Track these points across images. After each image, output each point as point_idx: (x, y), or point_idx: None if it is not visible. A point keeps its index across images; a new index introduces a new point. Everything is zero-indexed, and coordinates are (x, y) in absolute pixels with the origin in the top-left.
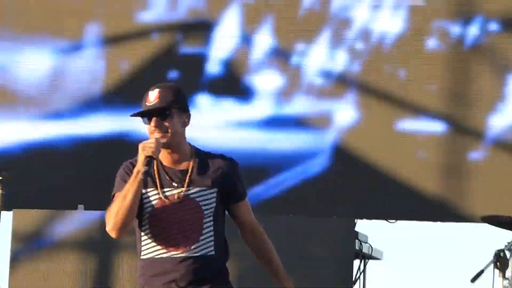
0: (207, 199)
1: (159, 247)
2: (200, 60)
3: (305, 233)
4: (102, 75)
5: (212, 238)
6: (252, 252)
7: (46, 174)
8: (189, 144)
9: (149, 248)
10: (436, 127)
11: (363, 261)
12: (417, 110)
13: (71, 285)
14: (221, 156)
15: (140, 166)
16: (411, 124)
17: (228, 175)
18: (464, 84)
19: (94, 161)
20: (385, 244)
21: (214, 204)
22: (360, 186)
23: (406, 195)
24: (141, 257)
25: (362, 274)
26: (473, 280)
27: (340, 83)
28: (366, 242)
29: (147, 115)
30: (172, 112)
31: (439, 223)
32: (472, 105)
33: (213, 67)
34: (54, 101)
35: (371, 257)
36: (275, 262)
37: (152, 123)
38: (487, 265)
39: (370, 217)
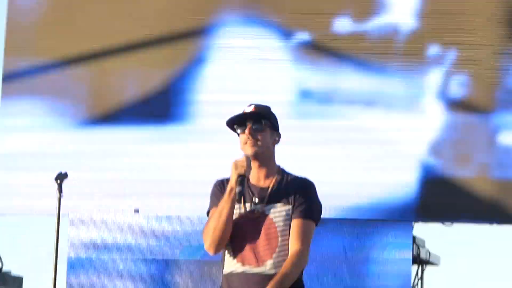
0: (282, 217)
1: (235, 262)
2: None
3: (362, 238)
4: None
5: (287, 257)
6: None
7: (103, 178)
8: (277, 164)
9: (228, 264)
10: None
11: (420, 266)
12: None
13: None
14: (302, 178)
15: (233, 184)
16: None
17: (300, 193)
18: None
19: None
20: (442, 249)
21: (288, 223)
22: (416, 189)
23: (462, 198)
24: (223, 272)
25: (420, 280)
26: None
27: None
28: (423, 247)
29: (243, 120)
30: (265, 126)
31: (495, 226)
32: None
33: None
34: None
35: (428, 262)
36: (284, 270)
37: (247, 130)
38: None
39: (426, 220)
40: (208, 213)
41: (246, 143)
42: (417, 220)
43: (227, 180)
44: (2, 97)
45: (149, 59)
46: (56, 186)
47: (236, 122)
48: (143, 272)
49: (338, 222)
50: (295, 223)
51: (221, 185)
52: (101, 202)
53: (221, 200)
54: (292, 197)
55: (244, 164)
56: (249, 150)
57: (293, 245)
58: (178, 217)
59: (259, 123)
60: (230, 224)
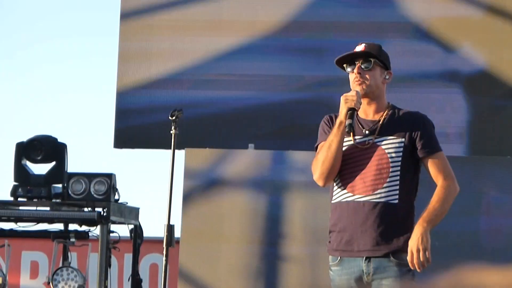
0: (394, 149)
1: (345, 191)
2: None
3: (481, 174)
4: None
5: (398, 187)
6: None
7: (218, 114)
8: (388, 101)
9: (338, 193)
10: None
11: None
12: None
13: (242, 223)
14: (415, 112)
15: (342, 117)
16: None
17: (416, 129)
18: None
19: (265, 100)
20: None
21: (401, 154)
22: None
23: None
24: (332, 202)
25: None
26: None
27: None
28: None
29: (351, 59)
30: (375, 64)
31: None
32: None
33: None
34: None
35: None
36: (429, 207)
37: (356, 70)
38: None
39: None
40: (316, 148)
41: (354, 81)
42: None
43: (336, 116)
44: None
45: None
46: (171, 122)
47: (346, 61)
48: (255, 206)
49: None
50: (427, 162)
51: (330, 120)
52: (217, 137)
53: (330, 133)
54: (407, 132)
55: (355, 98)
56: (358, 88)
57: (437, 181)
58: (291, 152)
59: (368, 62)
60: (339, 157)
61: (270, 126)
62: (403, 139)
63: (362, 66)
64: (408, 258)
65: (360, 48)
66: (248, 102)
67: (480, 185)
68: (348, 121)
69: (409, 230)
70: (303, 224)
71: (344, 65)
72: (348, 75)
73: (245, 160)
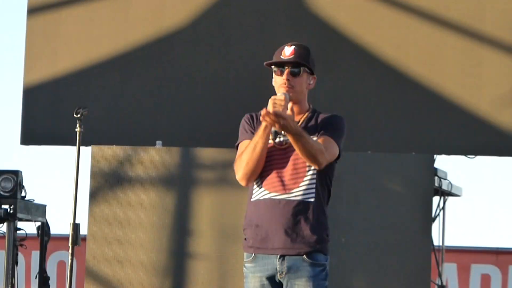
0: None
1: (263, 189)
2: None
3: (384, 170)
4: None
5: (314, 186)
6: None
7: (125, 111)
8: (309, 104)
9: (256, 191)
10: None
11: (442, 197)
12: (493, 42)
13: (150, 220)
14: (334, 115)
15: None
16: (488, 57)
17: (327, 124)
18: None
19: (172, 97)
20: (464, 180)
21: None
22: (439, 121)
23: (485, 130)
24: (250, 200)
25: (442, 211)
26: None
27: None
28: (445, 179)
29: (281, 66)
30: (303, 71)
31: None
32: None
33: None
34: None
35: (450, 193)
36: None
37: (285, 76)
38: None
39: (449, 152)
40: (237, 146)
41: (282, 86)
42: (439, 153)
43: (257, 115)
44: None
45: None
46: (76, 120)
47: (274, 63)
48: (163, 203)
49: (359, 154)
50: (320, 136)
51: (251, 119)
52: (123, 133)
53: (255, 134)
54: (321, 130)
55: (283, 102)
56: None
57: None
58: (200, 149)
59: (297, 68)
60: (263, 158)
61: (178, 123)
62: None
63: (291, 72)
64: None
65: (289, 50)
66: (156, 99)
67: (347, 179)
68: (273, 128)
69: (324, 230)
70: (211, 221)
71: (272, 67)
72: (273, 73)
73: (153, 157)
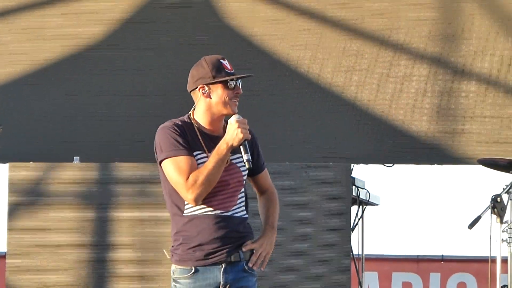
0: (243, 165)
1: (204, 206)
2: None
3: (302, 180)
4: None
5: (243, 200)
6: (259, 209)
7: (42, 126)
8: None
9: (193, 207)
10: (428, 68)
11: (360, 207)
12: (408, 51)
13: (70, 236)
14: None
15: (235, 144)
16: (404, 66)
17: (255, 145)
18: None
19: (89, 112)
20: (382, 189)
21: (246, 171)
22: (356, 130)
23: (403, 139)
24: (183, 214)
25: (360, 220)
26: (471, 226)
27: None
28: (363, 188)
29: (235, 79)
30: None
31: (436, 166)
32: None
33: None
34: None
35: (368, 202)
36: (271, 213)
37: (241, 90)
38: (485, 211)
39: (366, 161)
40: (165, 159)
41: (234, 98)
42: (357, 162)
43: (181, 123)
44: None
45: None
46: None
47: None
48: (83, 219)
49: (277, 165)
50: (259, 176)
51: (178, 128)
52: (40, 150)
53: (213, 157)
54: (251, 149)
55: (247, 127)
56: (235, 110)
57: (272, 189)
58: (118, 164)
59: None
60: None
61: (95, 138)
62: (247, 155)
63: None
64: (253, 257)
65: (228, 64)
66: (72, 114)
67: None
68: (247, 156)
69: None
70: (132, 236)
71: (217, 83)
72: (212, 88)
73: (71, 173)
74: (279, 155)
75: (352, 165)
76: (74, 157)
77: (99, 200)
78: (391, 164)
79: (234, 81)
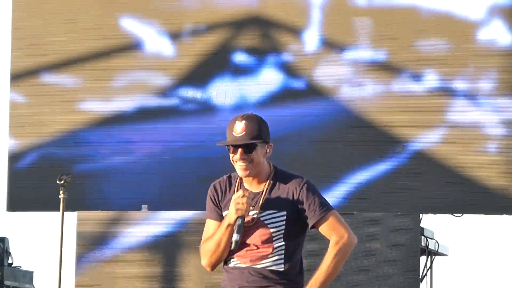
0: (276, 222)
1: (234, 259)
2: None
3: (370, 230)
4: None
5: (283, 256)
6: None
7: (111, 175)
8: (270, 164)
9: (228, 260)
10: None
11: (429, 257)
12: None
13: (137, 285)
14: (294, 177)
15: (232, 221)
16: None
17: (300, 201)
18: None
19: (158, 162)
20: (451, 239)
21: (283, 227)
22: (425, 181)
23: (472, 188)
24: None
25: (429, 270)
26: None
27: None
28: (432, 238)
29: (233, 145)
30: (257, 146)
31: (505, 217)
32: None
33: None
34: None
35: (437, 253)
36: (320, 268)
37: (238, 155)
38: None
39: (435, 211)
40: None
41: (237, 162)
42: (426, 212)
43: (220, 184)
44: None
45: None
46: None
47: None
48: (150, 268)
49: (347, 214)
50: (319, 227)
51: (215, 193)
52: (108, 198)
53: (219, 231)
54: (290, 205)
55: (244, 207)
56: (241, 173)
57: (334, 236)
58: (183, 212)
59: (249, 147)
60: (227, 250)
61: (162, 186)
62: (285, 212)
63: (245, 151)
64: None
65: (240, 126)
66: (140, 163)
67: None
68: (235, 236)
69: (301, 286)
70: (199, 284)
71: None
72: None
73: (139, 221)
74: (346, 204)
75: (420, 215)
76: (142, 206)
77: (167, 248)
78: (460, 214)
79: (228, 146)
